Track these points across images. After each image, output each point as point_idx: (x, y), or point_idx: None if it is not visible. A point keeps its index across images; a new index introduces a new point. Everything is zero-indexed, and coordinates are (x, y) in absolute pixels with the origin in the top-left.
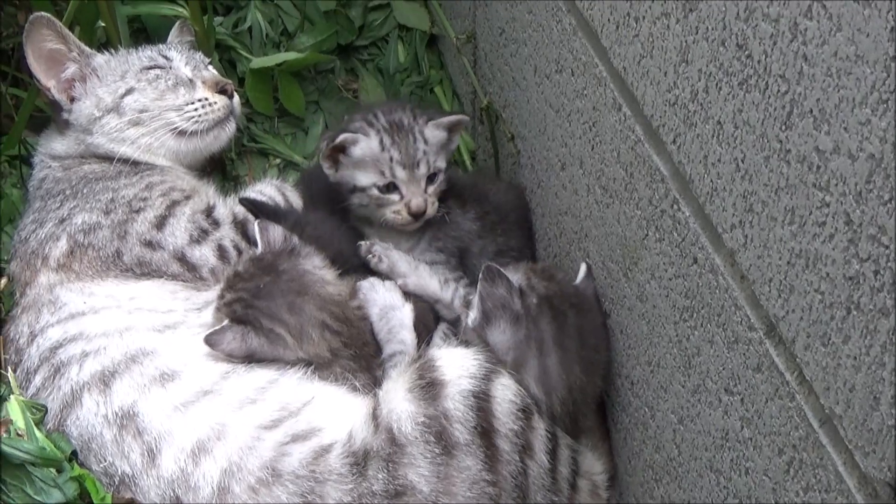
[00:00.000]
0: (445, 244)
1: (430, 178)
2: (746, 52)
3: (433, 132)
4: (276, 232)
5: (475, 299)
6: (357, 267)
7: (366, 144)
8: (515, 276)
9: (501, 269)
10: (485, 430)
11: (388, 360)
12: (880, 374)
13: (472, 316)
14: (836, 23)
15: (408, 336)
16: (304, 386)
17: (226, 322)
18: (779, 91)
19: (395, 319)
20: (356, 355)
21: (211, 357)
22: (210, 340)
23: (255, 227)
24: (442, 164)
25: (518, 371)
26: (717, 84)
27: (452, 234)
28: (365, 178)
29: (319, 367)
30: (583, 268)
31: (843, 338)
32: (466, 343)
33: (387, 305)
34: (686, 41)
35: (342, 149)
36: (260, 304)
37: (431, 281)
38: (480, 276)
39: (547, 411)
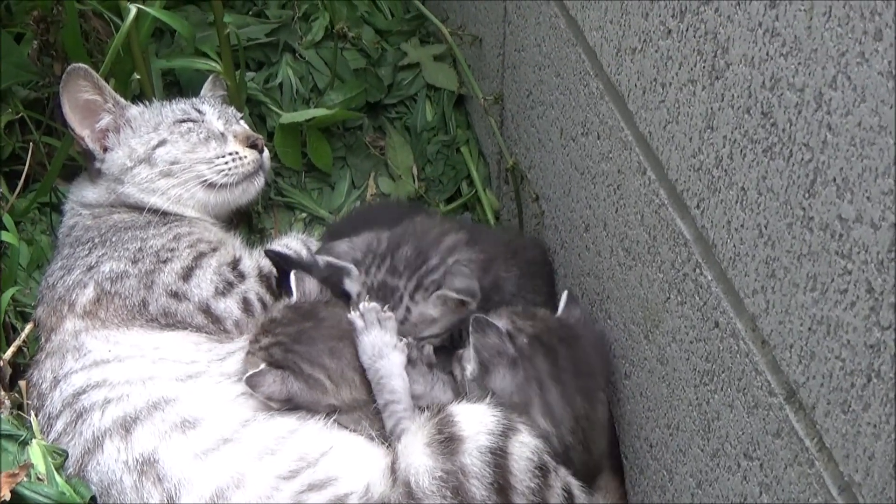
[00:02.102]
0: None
1: None
2: (771, 121)
3: (431, 307)
4: (312, 283)
5: (470, 352)
6: None
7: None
8: (500, 321)
9: (489, 319)
10: (501, 486)
11: (382, 409)
12: None
13: (470, 368)
14: (861, 94)
15: (398, 384)
16: (324, 436)
17: (263, 366)
18: (802, 159)
19: (383, 369)
20: None
21: (231, 405)
22: (251, 382)
23: (291, 276)
24: (429, 332)
25: (524, 411)
26: (741, 151)
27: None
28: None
29: (344, 412)
30: (563, 296)
31: (864, 405)
32: (467, 395)
33: (375, 353)
34: (711, 108)
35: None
36: (300, 349)
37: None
38: (471, 328)
39: (559, 442)
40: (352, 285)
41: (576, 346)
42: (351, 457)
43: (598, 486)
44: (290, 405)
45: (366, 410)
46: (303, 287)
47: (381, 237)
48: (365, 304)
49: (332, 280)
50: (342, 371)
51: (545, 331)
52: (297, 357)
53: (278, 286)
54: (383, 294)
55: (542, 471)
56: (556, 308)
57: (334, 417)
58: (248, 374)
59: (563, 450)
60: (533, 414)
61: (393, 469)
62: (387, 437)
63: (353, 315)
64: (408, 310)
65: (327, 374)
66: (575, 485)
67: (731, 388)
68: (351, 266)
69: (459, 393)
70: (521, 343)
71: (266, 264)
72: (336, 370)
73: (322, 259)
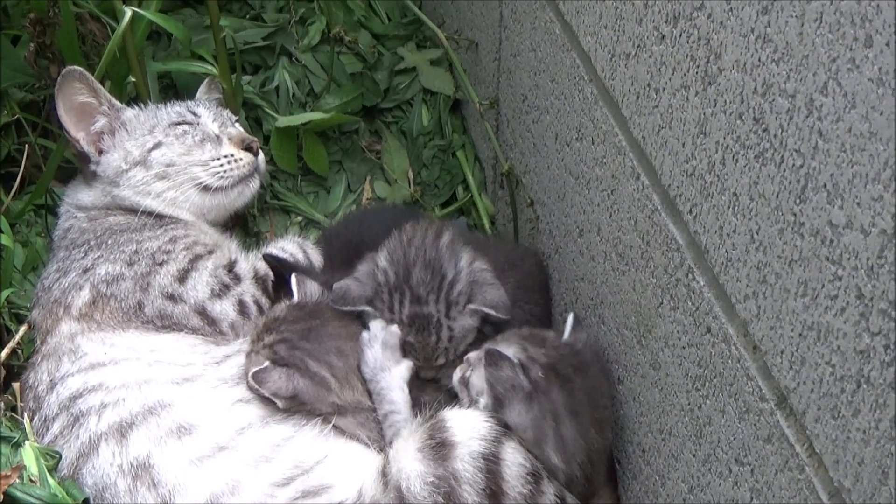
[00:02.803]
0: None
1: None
2: (763, 126)
3: (468, 318)
4: (313, 286)
5: (481, 384)
6: None
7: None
8: (510, 349)
9: (501, 352)
10: (493, 492)
11: (382, 420)
12: (889, 448)
13: (484, 402)
14: (851, 100)
15: (398, 396)
16: (319, 443)
17: (267, 363)
18: (794, 165)
19: (383, 381)
20: None
21: (227, 411)
22: (257, 378)
23: (292, 278)
24: (469, 340)
25: (538, 447)
26: (733, 156)
27: None
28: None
29: (344, 415)
30: (569, 320)
31: (853, 411)
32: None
33: (377, 366)
34: (704, 113)
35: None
36: (307, 346)
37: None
38: (484, 363)
39: (565, 478)
40: (376, 323)
41: (588, 374)
42: (346, 464)
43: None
44: (294, 403)
45: (360, 418)
46: (304, 288)
47: (382, 267)
48: (373, 322)
49: (330, 284)
50: (347, 372)
51: (559, 360)
52: (304, 354)
53: (275, 290)
54: (419, 325)
55: (534, 477)
56: (551, 320)
57: (333, 421)
58: (253, 371)
59: (567, 482)
60: (546, 449)
61: (384, 473)
62: (380, 443)
63: (363, 333)
64: (450, 329)
65: (333, 373)
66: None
67: (722, 393)
68: (368, 309)
69: None
70: (535, 376)
71: (262, 267)
72: (342, 369)
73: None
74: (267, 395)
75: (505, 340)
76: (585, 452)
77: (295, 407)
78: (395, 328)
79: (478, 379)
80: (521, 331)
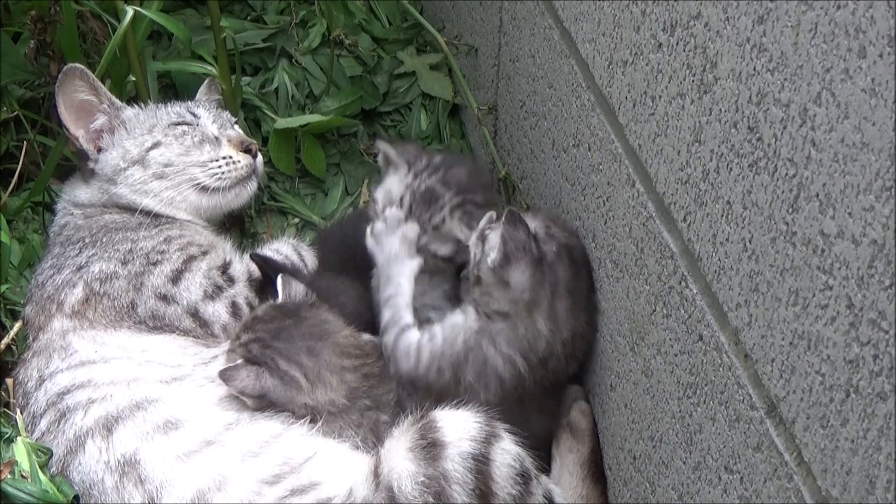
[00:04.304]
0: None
1: None
2: (757, 135)
3: (459, 229)
4: (298, 287)
5: (497, 241)
6: (366, 328)
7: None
8: (534, 223)
9: (522, 216)
10: (483, 492)
11: (383, 303)
12: (877, 457)
13: (493, 257)
14: (844, 110)
15: (405, 284)
16: (308, 441)
17: (240, 361)
18: (787, 174)
19: (395, 269)
20: (369, 406)
21: (215, 408)
22: (224, 376)
23: (278, 279)
24: (444, 252)
25: (530, 311)
26: (727, 165)
27: None
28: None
29: (326, 421)
30: None
31: (842, 420)
32: (479, 280)
33: (392, 255)
34: (700, 122)
35: None
36: (278, 346)
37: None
38: (504, 219)
39: (545, 348)
40: (394, 183)
41: (589, 267)
42: (335, 462)
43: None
44: (263, 402)
45: (346, 419)
46: (289, 289)
47: (434, 153)
48: (391, 211)
49: (316, 285)
50: (319, 371)
51: (577, 247)
52: (275, 353)
53: (263, 290)
54: (427, 199)
55: (523, 478)
56: None
57: (318, 426)
58: (221, 369)
59: (546, 355)
60: (535, 315)
61: (376, 473)
62: (371, 446)
63: (377, 219)
64: (443, 220)
65: (303, 373)
66: (556, 492)
67: (713, 401)
68: (402, 161)
69: (452, 303)
70: (548, 250)
71: (256, 269)
72: (312, 369)
73: (384, 147)
74: (235, 392)
75: (532, 214)
76: (570, 332)
77: (266, 407)
78: (414, 226)
79: (495, 237)
80: (550, 212)
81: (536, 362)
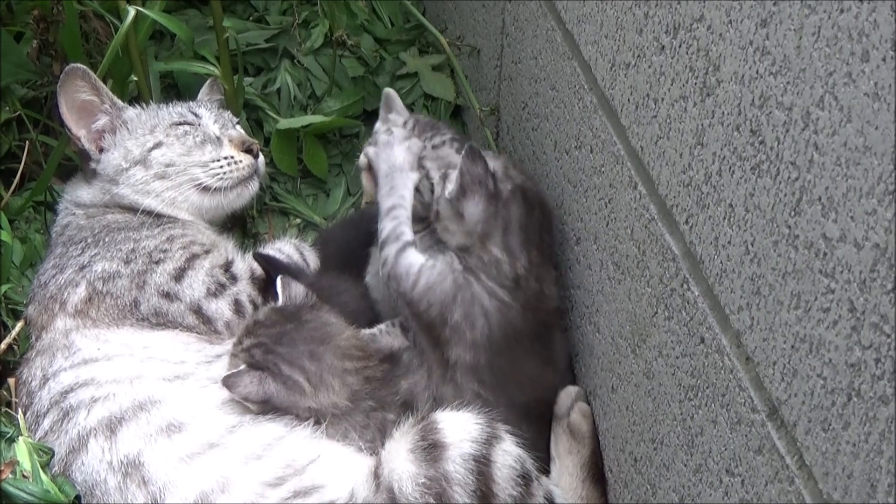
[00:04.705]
0: None
1: None
2: (760, 138)
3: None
4: (298, 288)
5: (454, 174)
6: (369, 326)
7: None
8: (494, 163)
9: (481, 152)
10: (484, 494)
11: (386, 214)
12: (878, 461)
13: (450, 189)
14: (847, 114)
15: (407, 194)
16: (312, 444)
17: (243, 366)
18: (789, 178)
19: (399, 179)
20: (374, 407)
21: (218, 410)
22: (228, 382)
23: (278, 281)
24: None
25: (483, 242)
26: (730, 168)
27: None
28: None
29: (330, 424)
30: None
31: (843, 424)
32: (437, 215)
33: (396, 165)
34: (702, 124)
35: None
36: (280, 350)
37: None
38: (464, 153)
39: (510, 269)
40: (397, 117)
41: (550, 221)
42: (339, 464)
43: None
44: (267, 407)
45: (351, 421)
46: (289, 291)
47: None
48: (397, 129)
49: (318, 284)
50: (321, 375)
51: (531, 189)
52: (277, 358)
53: (266, 290)
54: (429, 125)
55: (524, 479)
56: None
57: (321, 428)
58: (224, 375)
59: (514, 276)
60: (489, 245)
61: (376, 474)
62: (375, 449)
63: (381, 130)
64: (442, 143)
65: (306, 377)
66: (557, 493)
67: (715, 403)
68: (405, 110)
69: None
70: (503, 187)
71: (259, 267)
72: (315, 373)
73: (388, 91)
74: (238, 399)
75: (493, 155)
76: (528, 261)
77: (270, 411)
78: (418, 141)
79: (455, 174)
80: (511, 157)
81: (512, 286)
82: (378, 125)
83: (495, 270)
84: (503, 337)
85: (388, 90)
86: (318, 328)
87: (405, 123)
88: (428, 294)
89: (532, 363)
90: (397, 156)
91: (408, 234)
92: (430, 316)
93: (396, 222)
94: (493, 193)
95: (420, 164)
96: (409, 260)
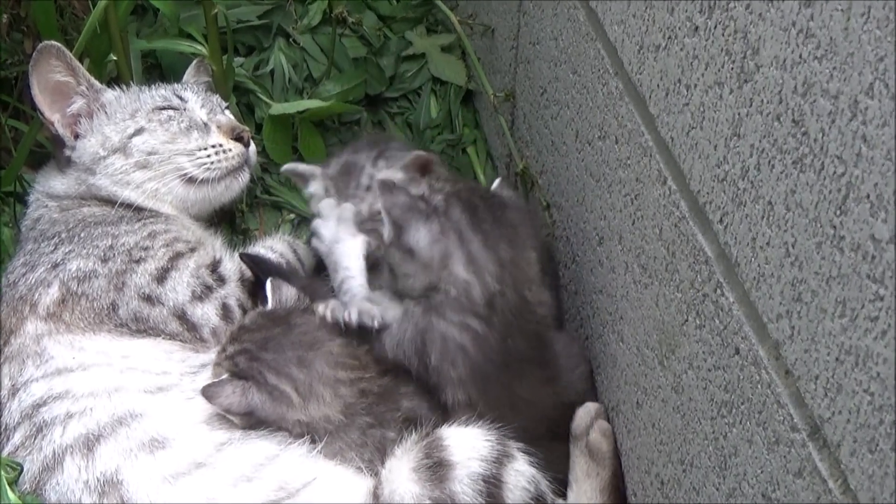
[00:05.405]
0: None
1: None
2: (802, 129)
3: (394, 172)
4: (290, 291)
5: (382, 216)
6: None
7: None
8: (417, 189)
9: (393, 181)
10: None
11: (338, 290)
12: None
13: (386, 233)
14: None
15: (354, 263)
16: (306, 464)
17: (225, 375)
18: (835, 173)
19: (338, 251)
20: (372, 424)
21: (205, 425)
22: (207, 393)
23: (268, 284)
24: None
25: (446, 266)
26: (769, 161)
27: None
28: None
29: (326, 443)
30: (496, 181)
31: (893, 444)
32: (391, 268)
33: (332, 239)
34: (739, 113)
35: None
36: (266, 357)
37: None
38: (378, 191)
39: (482, 291)
40: (314, 187)
41: (499, 206)
42: (336, 487)
43: None
44: (252, 421)
45: (346, 439)
46: (279, 294)
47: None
48: (323, 203)
49: (312, 288)
50: (311, 384)
51: (465, 189)
52: (263, 366)
53: (254, 294)
54: (345, 172)
55: (538, 502)
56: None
57: (318, 448)
58: (204, 385)
59: (488, 298)
60: (453, 267)
61: (375, 495)
62: (374, 469)
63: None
64: (371, 177)
65: (294, 386)
66: None
67: (750, 421)
68: (314, 168)
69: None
70: (435, 201)
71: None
72: (304, 382)
73: (288, 167)
74: (220, 410)
75: (414, 182)
76: (497, 263)
77: (256, 425)
78: (348, 205)
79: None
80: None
81: (485, 312)
82: (308, 199)
83: (465, 299)
84: (489, 366)
85: (285, 168)
86: (307, 332)
87: (326, 191)
88: (399, 349)
89: (527, 385)
90: (329, 231)
91: (362, 297)
92: (414, 370)
93: (349, 295)
94: (427, 213)
95: (368, 220)
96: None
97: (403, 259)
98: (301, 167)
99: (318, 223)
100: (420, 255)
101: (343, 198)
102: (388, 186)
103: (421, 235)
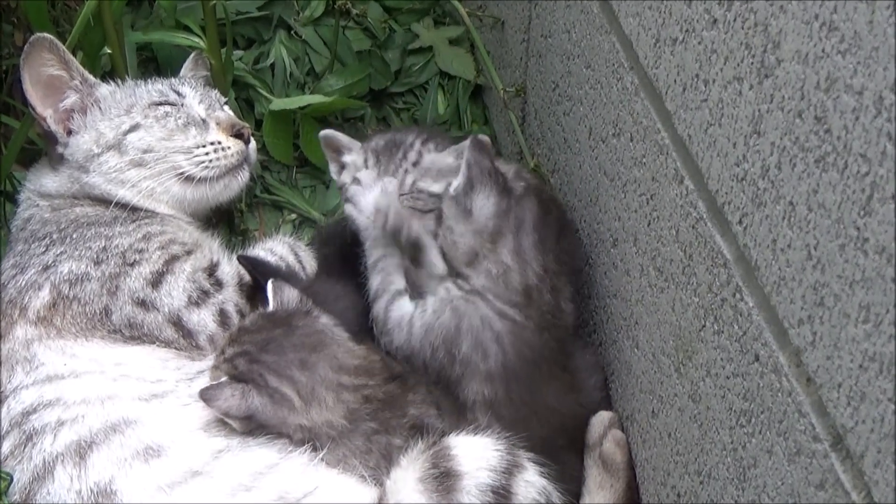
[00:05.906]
0: None
1: None
2: (825, 127)
3: (446, 156)
4: (292, 293)
5: (461, 166)
6: (364, 338)
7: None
8: (505, 167)
9: (489, 144)
10: None
11: (370, 269)
12: None
13: (456, 183)
14: None
15: None
16: (308, 473)
17: (224, 378)
18: (859, 172)
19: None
20: (377, 430)
21: (202, 432)
22: (205, 395)
23: (269, 285)
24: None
25: (494, 242)
26: (790, 160)
27: None
28: None
29: (329, 450)
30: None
31: None
32: (440, 219)
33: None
34: (759, 110)
35: None
36: (266, 359)
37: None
38: (469, 144)
39: (520, 280)
40: (355, 156)
41: (566, 226)
42: (339, 497)
43: None
44: (252, 425)
45: (350, 445)
46: (280, 296)
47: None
48: (362, 173)
49: (313, 290)
50: (313, 387)
51: (547, 191)
52: (263, 368)
53: (252, 298)
54: (389, 147)
55: None
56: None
57: (320, 455)
58: (202, 388)
59: (525, 288)
60: (500, 248)
61: None
62: (379, 478)
63: (346, 181)
64: (419, 154)
65: (296, 389)
66: None
67: (770, 431)
68: (351, 140)
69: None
70: (516, 185)
71: None
72: (306, 385)
73: (327, 132)
74: (218, 414)
75: (504, 162)
76: (542, 267)
77: (256, 430)
78: (391, 178)
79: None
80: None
81: (523, 300)
82: (334, 173)
83: (503, 284)
84: (520, 362)
85: (324, 134)
86: (310, 334)
87: (366, 162)
88: (428, 337)
89: (553, 390)
90: (371, 204)
91: (398, 282)
92: (437, 362)
93: (384, 273)
94: (504, 188)
95: (413, 196)
96: (401, 311)
97: (458, 216)
98: (341, 135)
99: (356, 190)
100: (475, 220)
101: (385, 171)
102: (480, 145)
103: (487, 203)
